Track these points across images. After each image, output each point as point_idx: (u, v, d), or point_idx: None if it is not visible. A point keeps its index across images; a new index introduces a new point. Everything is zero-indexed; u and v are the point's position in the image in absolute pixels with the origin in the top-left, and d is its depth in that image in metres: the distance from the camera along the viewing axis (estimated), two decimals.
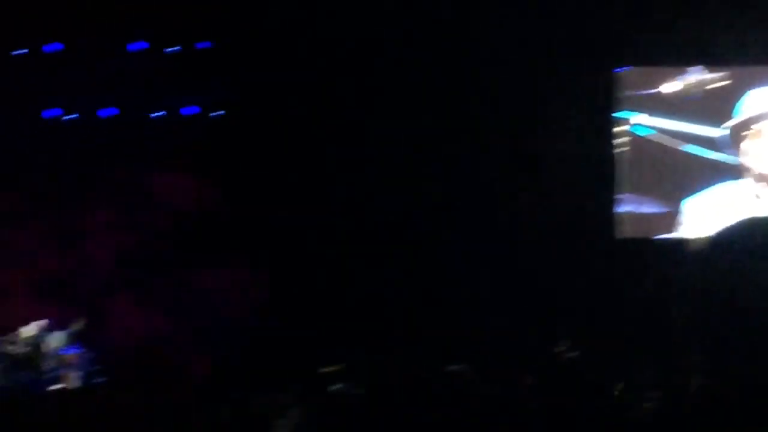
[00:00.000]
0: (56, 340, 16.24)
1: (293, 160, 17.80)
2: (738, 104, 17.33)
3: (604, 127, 17.79)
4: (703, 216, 17.22)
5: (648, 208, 17.84)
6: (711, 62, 17.51)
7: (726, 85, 17.42)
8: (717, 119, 17.49)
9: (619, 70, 17.77)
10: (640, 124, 17.78)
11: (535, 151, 17.36)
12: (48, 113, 17.88)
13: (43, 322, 16.28)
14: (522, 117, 17.52)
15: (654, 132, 17.70)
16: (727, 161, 17.42)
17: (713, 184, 17.50)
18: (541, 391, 8.73)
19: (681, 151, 17.53)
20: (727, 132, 17.39)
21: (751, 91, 17.38)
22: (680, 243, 16.47)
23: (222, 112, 18.36)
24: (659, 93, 17.70)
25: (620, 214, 17.82)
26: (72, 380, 15.85)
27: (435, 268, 17.23)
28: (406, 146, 17.44)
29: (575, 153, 17.23)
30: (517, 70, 17.17)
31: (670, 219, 17.56)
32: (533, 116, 17.52)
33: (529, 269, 17.04)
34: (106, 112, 18.02)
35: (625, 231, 17.78)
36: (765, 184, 17.21)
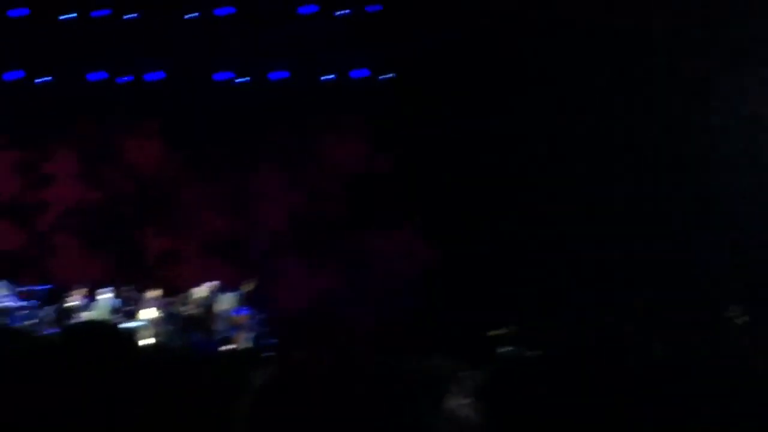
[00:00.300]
0: (227, 301, 16.38)
1: (463, 125, 17.32)
2: None
3: None
4: None
5: None
6: None
7: None
8: None
9: None
10: None
11: None
12: (219, 76, 18.12)
13: (214, 284, 16.48)
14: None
15: None
16: None
17: None
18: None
19: None
20: None
21: None
22: None
23: (391, 74, 18.10)
24: None
25: None
26: (243, 341, 15.92)
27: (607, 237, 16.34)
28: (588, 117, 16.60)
29: None
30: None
31: None
32: None
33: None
34: (277, 75, 18.10)
35: None
36: None
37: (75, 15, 16.97)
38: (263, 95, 18.12)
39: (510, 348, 12.03)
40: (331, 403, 1.77)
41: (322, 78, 18.15)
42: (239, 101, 18.11)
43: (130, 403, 1.70)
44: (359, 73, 18.15)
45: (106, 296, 16.26)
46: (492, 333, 13.69)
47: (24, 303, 16.32)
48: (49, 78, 17.93)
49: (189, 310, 16.35)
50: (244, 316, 16.21)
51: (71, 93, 18.00)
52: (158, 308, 16.21)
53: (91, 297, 16.40)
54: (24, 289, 16.76)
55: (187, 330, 16.15)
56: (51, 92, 17.98)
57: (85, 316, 16.24)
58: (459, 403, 2.09)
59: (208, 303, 16.38)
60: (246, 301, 16.44)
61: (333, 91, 18.18)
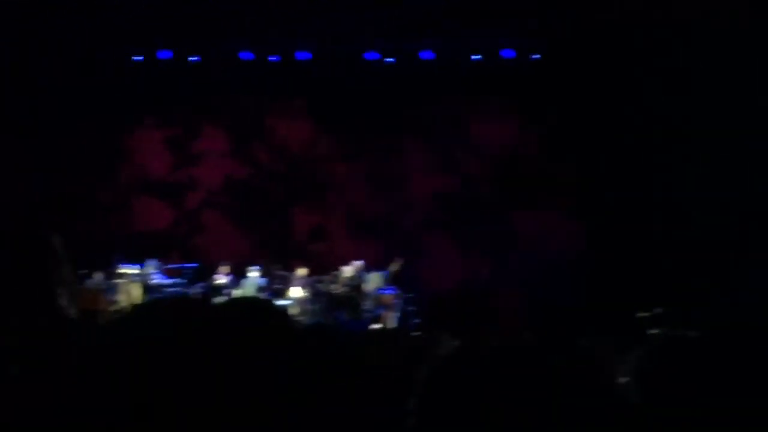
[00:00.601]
0: (375, 280, 16.31)
1: (612, 108, 17.01)
2: None
3: None
4: None
5: None
6: None
7: None
8: None
9: None
10: None
11: None
12: (368, 56, 18.13)
13: (360, 263, 16.43)
14: None
15: None
16: None
17: None
18: None
19: None
20: None
21: None
22: None
23: (539, 55, 17.87)
24: None
25: None
26: (390, 320, 15.83)
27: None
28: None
29: None
30: None
31: None
32: None
33: None
34: (426, 54, 17.99)
35: None
36: None
37: None
38: (411, 75, 18.01)
39: (662, 329, 11.76)
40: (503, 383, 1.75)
41: (472, 57, 18.02)
42: (388, 81, 18.08)
43: (297, 381, 1.54)
44: (508, 53, 17.92)
45: (253, 274, 16.37)
46: (641, 314, 13.41)
47: (172, 281, 16.56)
48: (199, 57, 18.17)
49: (337, 289, 16.34)
50: (391, 295, 16.11)
51: (221, 72, 18.20)
52: (306, 287, 16.25)
53: (238, 275, 16.53)
54: (172, 267, 17.00)
55: (334, 309, 16.14)
56: (201, 71, 18.21)
57: (232, 294, 16.41)
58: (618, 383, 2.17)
59: (355, 282, 16.34)
60: (393, 280, 16.35)
61: (481, 70, 18.00)
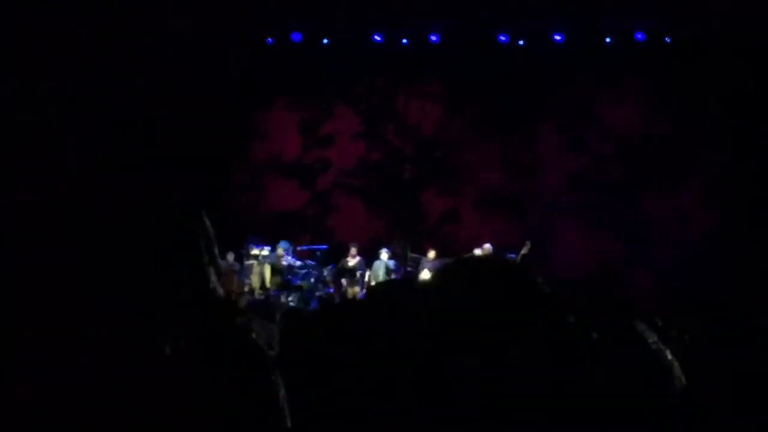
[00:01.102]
0: None
1: (748, 90, 16.46)
2: None
3: None
4: None
5: None
6: None
7: None
8: None
9: None
10: None
11: None
12: (502, 38, 18.01)
13: (488, 246, 16.26)
14: None
15: None
16: None
17: None
18: None
19: None
20: None
21: None
22: None
23: (671, 38, 17.47)
24: None
25: None
26: None
27: None
28: None
29: None
30: None
31: None
32: None
33: None
34: (558, 37, 17.84)
35: None
36: None
37: None
38: (544, 57, 17.89)
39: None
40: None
41: (605, 40, 17.75)
42: (520, 63, 17.95)
43: None
44: (640, 35, 17.56)
45: (383, 256, 16.39)
46: None
47: (303, 262, 16.73)
48: (331, 39, 18.35)
49: None
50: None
51: (353, 54, 18.34)
52: (434, 269, 16.17)
53: (370, 257, 16.59)
54: (303, 248, 17.18)
55: None
56: (333, 53, 18.38)
57: (365, 276, 16.51)
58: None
59: None
60: (523, 263, 16.13)
61: (614, 52, 17.77)
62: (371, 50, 18.35)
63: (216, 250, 1.51)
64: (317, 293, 16.02)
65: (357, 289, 16.26)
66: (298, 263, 16.64)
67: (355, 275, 16.50)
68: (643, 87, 17.83)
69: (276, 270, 16.28)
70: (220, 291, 1.49)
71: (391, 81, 18.80)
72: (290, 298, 15.70)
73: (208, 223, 1.51)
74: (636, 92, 17.87)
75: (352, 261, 16.60)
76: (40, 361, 1.31)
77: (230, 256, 15.77)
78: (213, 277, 1.48)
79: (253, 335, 1.64)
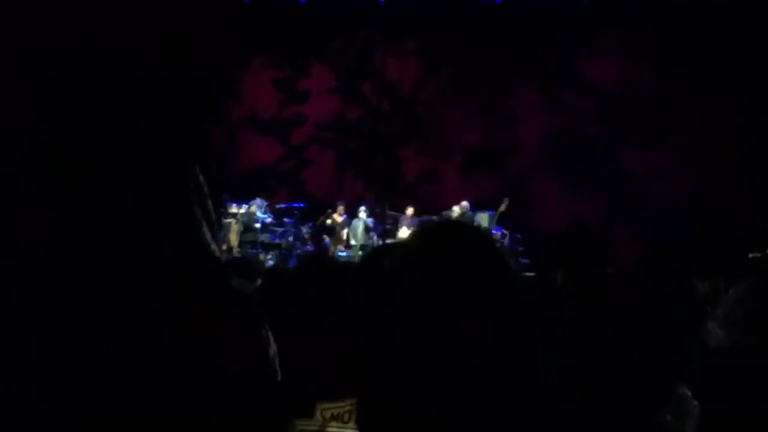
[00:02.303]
0: (482, 220, 16.17)
1: (727, 43, 16.48)
2: None
3: None
4: None
5: None
6: None
7: None
8: None
9: None
10: None
11: None
12: None
13: (466, 204, 16.28)
14: None
15: None
16: None
17: None
18: None
19: None
20: None
21: None
22: None
23: None
24: None
25: None
26: None
27: None
28: None
29: None
30: None
31: None
32: None
33: None
34: None
35: None
36: None
37: None
38: (522, 14, 17.84)
39: None
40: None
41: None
42: (498, 20, 17.87)
43: None
44: None
45: (362, 214, 16.37)
46: (754, 255, 13.08)
47: (281, 220, 16.67)
48: None
49: None
50: (497, 235, 15.94)
51: (330, 11, 18.20)
52: (413, 227, 16.18)
53: (347, 215, 16.58)
54: (281, 206, 17.12)
55: None
56: (309, 11, 18.24)
57: (343, 234, 16.49)
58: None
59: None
60: (501, 220, 16.20)
61: (592, 9, 17.71)
62: (348, 7, 18.20)
63: (210, 205, 1.49)
64: (296, 251, 15.99)
65: (340, 247, 16.29)
66: (270, 220, 16.53)
67: (338, 233, 16.51)
68: (623, 44, 17.76)
69: (248, 228, 16.18)
70: (215, 247, 1.47)
71: (368, 38, 18.65)
72: (269, 257, 15.66)
73: (200, 176, 1.48)
74: (616, 49, 17.80)
75: (339, 219, 16.58)
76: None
77: None
78: (207, 233, 1.46)
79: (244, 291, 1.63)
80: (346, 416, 2.04)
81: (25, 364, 1.28)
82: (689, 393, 2.05)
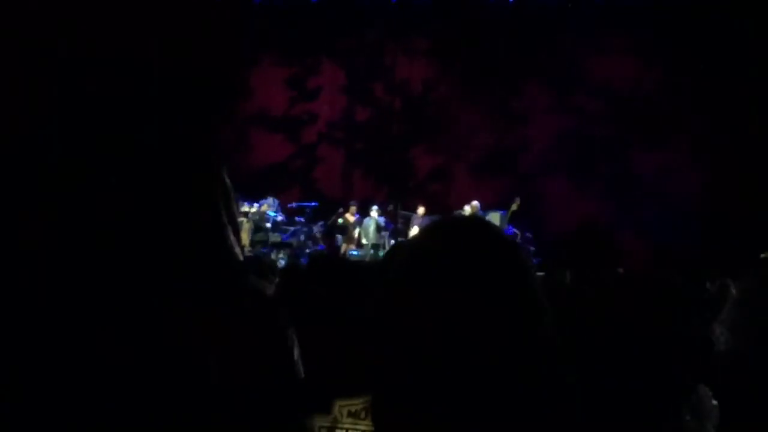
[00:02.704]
0: (493, 220, 16.14)
1: (735, 47, 16.44)
2: None
3: None
4: None
5: None
6: None
7: None
8: None
9: None
10: None
11: None
12: None
13: (476, 203, 16.28)
14: None
15: None
16: None
17: None
18: None
19: None
20: None
21: None
22: None
23: None
24: None
25: None
26: None
27: None
28: None
29: None
30: None
31: None
32: None
33: None
34: None
35: None
36: None
37: None
38: (533, 14, 17.85)
39: None
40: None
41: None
42: (509, 20, 17.88)
43: None
44: None
45: (373, 213, 16.38)
46: (764, 255, 12.98)
47: (292, 219, 16.68)
48: None
49: None
50: (509, 235, 15.90)
51: (341, 10, 18.21)
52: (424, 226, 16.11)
53: (359, 214, 16.58)
54: (293, 205, 17.14)
55: None
56: (320, 9, 18.25)
57: (354, 233, 16.49)
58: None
59: None
60: (512, 220, 16.20)
61: (602, 9, 17.73)
62: (359, 5, 18.21)
63: (235, 208, 1.51)
64: (307, 250, 16.01)
65: (352, 246, 16.30)
66: (281, 218, 16.55)
67: (350, 232, 16.51)
68: (633, 43, 17.71)
69: (258, 227, 16.20)
70: (238, 250, 1.49)
71: (378, 37, 18.67)
72: (280, 255, 15.68)
73: (227, 179, 1.50)
74: (625, 50, 17.75)
75: (352, 218, 16.59)
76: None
77: None
78: (231, 237, 1.48)
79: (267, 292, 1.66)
80: (363, 413, 2.07)
81: (24, 364, 1.28)
82: (709, 393, 2.06)
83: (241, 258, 1.51)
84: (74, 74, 1.40)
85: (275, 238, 16.20)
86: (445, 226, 1.58)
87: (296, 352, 1.53)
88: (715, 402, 2.08)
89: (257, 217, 16.11)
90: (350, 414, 2.08)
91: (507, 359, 1.38)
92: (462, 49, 18.10)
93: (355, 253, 15.78)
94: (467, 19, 17.84)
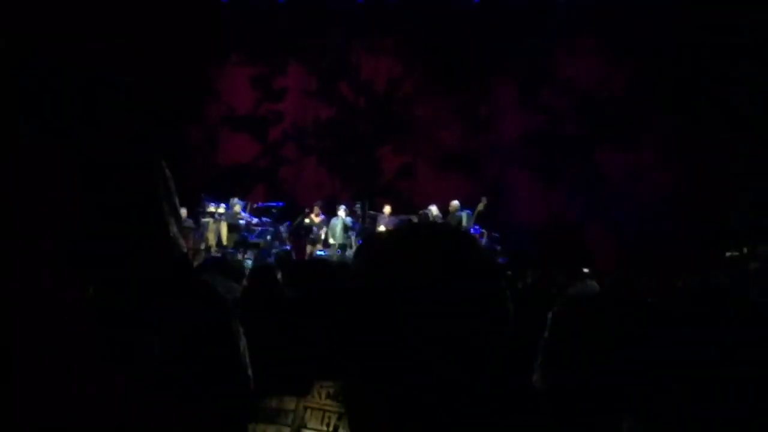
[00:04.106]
0: (460, 219, 16.16)
1: (701, 47, 16.57)
2: None
3: None
4: None
5: None
6: None
7: None
8: None
9: None
10: None
11: None
12: None
13: (456, 203, 16.25)
14: None
15: None
16: None
17: None
18: None
19: None
20: None
21: None
22: None
23: None
24: None
25: None
26: None
27: None
28: None
29: None
30: None
31: None
32: None
33: None
34: None
35: None
36: None
37: None
38: (499, 13, 17.83)
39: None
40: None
41: None
42: (476, 19, 17.87)
43: None
44: None
45: (340, 213, 16.34)
46: (731, 254, 13.15)
47: (259, 219, 16.62)
48: None
49: None
50: (476, 234, 15.94)
51: (307, 10, 18.19)
52: (391, 225, 16.14)
53: (325, 215, 16.53)
54: (260, 205, 17.09)
55: None
56: (286, 10, 18.21)
57: (320, 233, 16.44)
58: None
59: (440, 220, 16.21)
60: (478, 219, 16.21)
61: (570, 10, 17.76)
62: (325, 6, 18.19)
63: (176, 200, 1.47)
64: (273, 250, 15.95)
65: (319, 246, 16.26)
66: (255, 220, 16.54)
67: (316, 232, 16.46)
68: (599, 43, 17.83)
69: (233, 227, 16.14)
70: (182, 242, 1.45)
71: (344, 37, 18.64)
72: (247, 256, 15.62)
73: (167, 170, 1.46)
74: (592, 49, 17.86)
75: (317, 219, 16.53)
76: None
77: (182, 212, 15.53)
78: (174, 229, 1.44)
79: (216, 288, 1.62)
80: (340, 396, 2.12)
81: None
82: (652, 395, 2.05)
83: (185, 249, 1.48)
84: (38, 74, 1.38)
85: (242, 238, 16.16)
86: (414, 227, 1.57)
87: (242, 346, 1.50)
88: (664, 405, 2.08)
89: (231, 218, 16.06)
90: (329, 396, 2.16)
91: (472, 360, 1.35)
92: (428, 48, 18.10)
93: (321, 253, 15.74)
94: (433, 19, 17.83)
